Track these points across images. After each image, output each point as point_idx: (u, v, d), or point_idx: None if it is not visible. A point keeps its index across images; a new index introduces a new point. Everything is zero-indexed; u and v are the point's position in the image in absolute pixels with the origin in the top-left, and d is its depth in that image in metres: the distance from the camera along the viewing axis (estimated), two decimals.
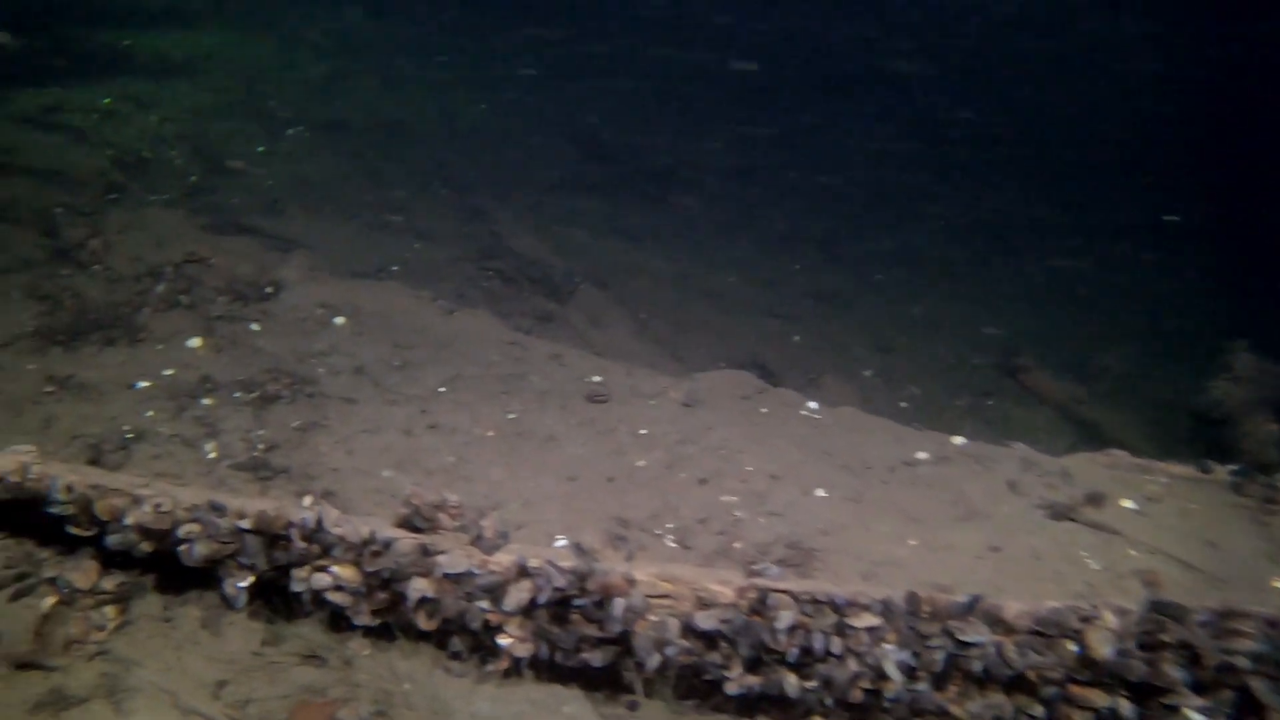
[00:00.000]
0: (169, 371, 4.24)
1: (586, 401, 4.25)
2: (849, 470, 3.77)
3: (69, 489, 2.69)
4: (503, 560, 2.67)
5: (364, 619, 2.84)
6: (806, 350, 6.55)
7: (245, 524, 2.60)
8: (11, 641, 2.97)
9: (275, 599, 3.02)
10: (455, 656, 2.95)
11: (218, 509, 2.64)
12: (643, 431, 4.03)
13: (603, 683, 2.94)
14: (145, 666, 3.03)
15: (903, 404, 6.15)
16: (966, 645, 2.56)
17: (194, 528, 2.61)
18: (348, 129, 8.49)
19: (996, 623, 2.58)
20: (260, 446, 3.69)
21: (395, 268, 5.93)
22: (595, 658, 2.80)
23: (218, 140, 7.52)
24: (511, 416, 4.09)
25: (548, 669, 2.92)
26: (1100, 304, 8.00)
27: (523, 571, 2.63)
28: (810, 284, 7.79)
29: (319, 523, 2.59)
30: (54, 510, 2.72)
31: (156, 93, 8.30)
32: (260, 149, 7.56)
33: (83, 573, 3.07)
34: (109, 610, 3.15)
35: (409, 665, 3.00)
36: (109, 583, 3.11)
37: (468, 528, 2.73)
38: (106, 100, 7.72)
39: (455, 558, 2.60)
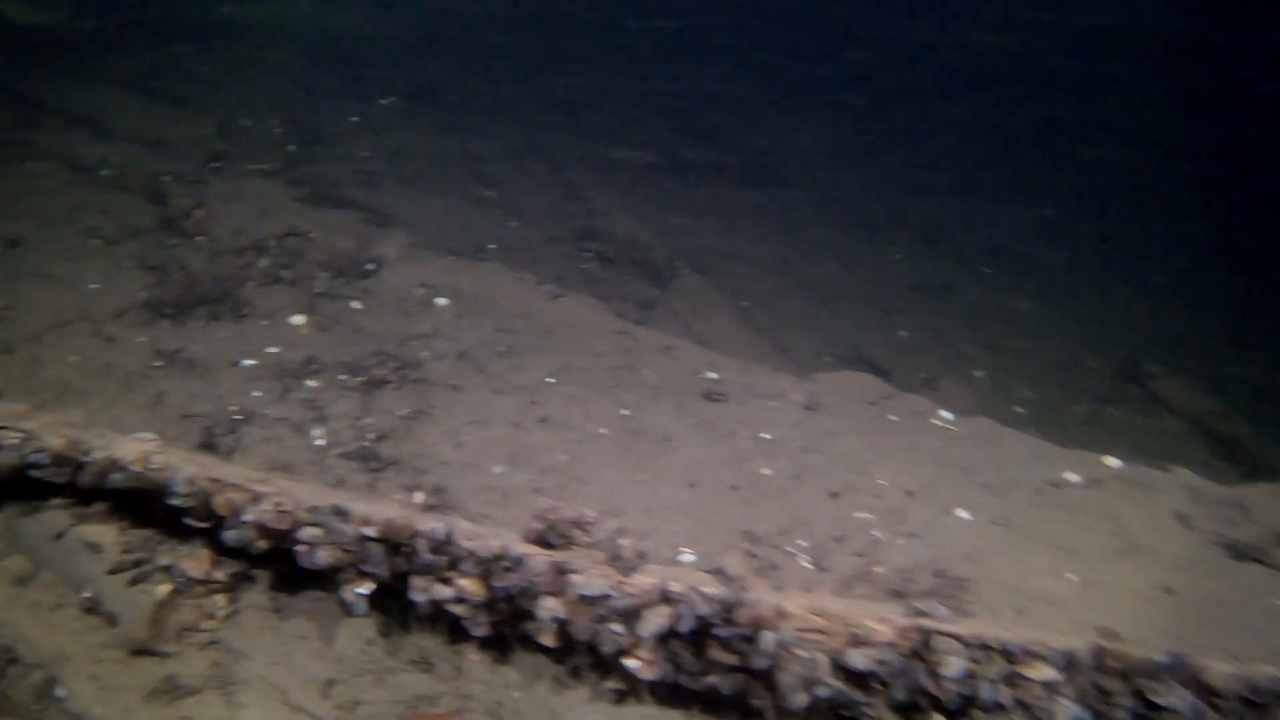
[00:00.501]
0: (273, 349, 4.14)
1: (702, 399, 4.01)
2: (991, 490, 3.47)
3: (190, 481, 2.57)
4: (641, 583, 2.47)
5: (481, 630, 2.68)
6: (913, 346, 6.19)
7: (370, 532, 2.45)
8: (129, 627, 2.90)
9: (389, 601, 2.89)
10: (574, 673, 2.79)
11: (341, 513, 2.49)
12: (764, 436, 3.78)
13: (727, 708, 2.74)
14: (254, 659, 2.93)
15: (1017, 409, 5.77)
16: (1159, 709, 2.28)
17: (317, 532, 2.47)
18: (438, 99, 8.35)
19: (1196, 685, 2.28)
20: (370, 435, 3.55)
21: (492, 246, 5.76)
22: (724, 684, 2.60)
23: (312, 109, 7.44)
24: (624, 413, 3.89)
25: (668, 690, 2.74)
26: (1233, 305, 7.42)
27: (664, 597, 2.42)
28: (912, 274, 7.39)
29: (449, 535, 2.42)
30: (174, 502, 2.61)
31: (251, 60, 8.27)
32: (354, 118, 7.46)
33: (195, 561, 2.98)
34: (220, 599, 3.06)
35: (522, 677, 2.85)
36: (221, 572, 3.02)
37: (603, 545, 2.53)
38: (206, 67, 7.71)
39: (592, 579, 2.41)
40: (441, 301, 4.67)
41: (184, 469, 2.60)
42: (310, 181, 6.08)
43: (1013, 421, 4.91)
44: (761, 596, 2.42)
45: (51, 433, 2.70)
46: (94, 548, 3.01)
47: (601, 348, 4.41)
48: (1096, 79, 11.62)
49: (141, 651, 2.89)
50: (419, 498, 3.22)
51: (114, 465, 2.63)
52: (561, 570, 2.41)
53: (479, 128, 7.85)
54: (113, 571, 2.92)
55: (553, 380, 4.10)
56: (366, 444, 3.50)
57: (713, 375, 4.21)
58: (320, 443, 3.51)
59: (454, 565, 2.45)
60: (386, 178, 6.44)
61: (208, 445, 3.35)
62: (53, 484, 2.80)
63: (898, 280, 7.24)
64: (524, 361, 4.24)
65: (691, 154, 8.34)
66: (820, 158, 8.94)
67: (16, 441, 2.70)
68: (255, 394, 3.80)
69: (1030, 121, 10.75)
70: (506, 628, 2.72)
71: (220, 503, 2.56)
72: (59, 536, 3.02)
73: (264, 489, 2.57)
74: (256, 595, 3.06)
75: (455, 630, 2.81)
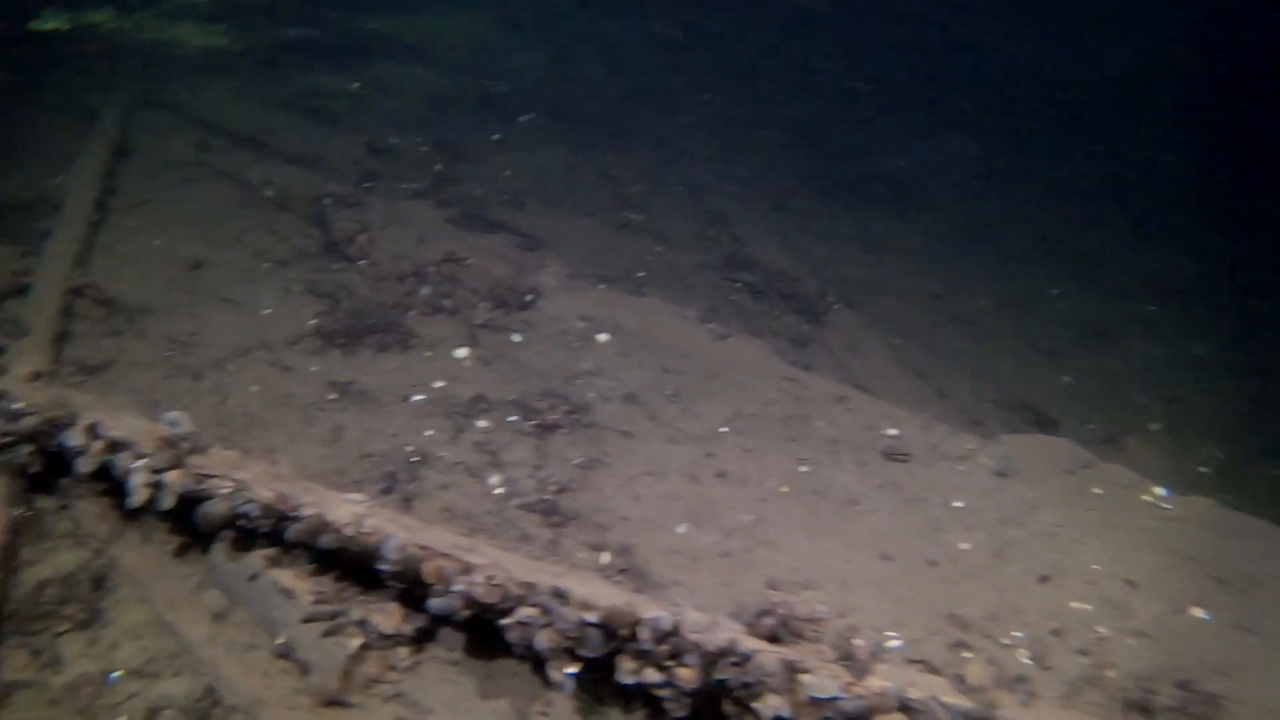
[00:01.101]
0: (440, 384, 4.11)
1: (884, 458, 3.79)
2: (1228, 587, 3.14)
3: (400, 549, 2.51)
4: (874, 686, 2.27)
5: (683, 712, 2.54)
6: (1080, 394, 5.79)
7: (592, 618, 2.33)
8: (321, 678, 2.87)
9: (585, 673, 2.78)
10: None
11: (560, 595, 2.38)
12: (957, 504, 3.53)
13: None
14: (438, 715, 2.87)
15: (1201, 469, 5.33)
16: None
17: (534, 613, 2.36)
18: (575, 117, 8.30)
19: None
20: (550, 487, 3.46)
21: (641, 274, 5.64)
22: None
23: (455, 127, 7.49)
24: (803, 469, 3.70)
25: None
26: None
27: (901, 705, 2.22)
28: (1071, 311, 6.94)
29: (676, 627, 2.28)
30: (383, 568, 2.55)
31: (397, 77, 8.40)
32: (495, 136, 7.47)
33: (387, 616, 2.93)
34: (404, 651, 3.02)
35: None
36: (409, 626, 2.97)
37: (832, 640, 2.35)
38: (355, 85, 7.86)
39: (823, 680, 2.23)
40: (603, 337, 4.57)
41: (395, 535, 2.54)
42: (459, 202, 6.09)
43: (1195, 485, 4.53)
44: (1012, 715, 2.20)
45: (262, 485, 2.68)
46: (287, 593, 3.00)
47: (771, 394, 4.23)
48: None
49: (332, 703, 2.86)
50: (605, 558, 3.11)
51: (325, 526, 2.59)
52: (792, 669, 2.24)
53: (616, 147, 7.77)
54: (306, 620, 2.90)
55: (725, 430, 3.95)
56: (547, 497, 3.41)
57: (892, 431, 3.98)
58: (499, 491, 3.43)
59: (676, 655, 2.30)
60: (531, 198, 6.40)
61: (390, 490, 3.32)
62: (259, 533, 2.79)
63: (1055, 317, 6.82)
64: (693, 407, 4.09)
65: (833, 179, 8.07)
66: (966, 185, 8.54)
67: (229, 491, 2.69)
68: (428, 433, 3.76)
69: (1194, 153, 10.09)
70: (710, 713, 2.57)
71: (430, 570, 2.48)
72: (254, 578, 3.03)
73: (475, 559, 2.48)
74: (442, 649, 3.01)
75: (654, 708, 2.68)
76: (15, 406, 2.91)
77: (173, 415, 2.75)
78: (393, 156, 6.69)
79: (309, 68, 8.02)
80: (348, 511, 2.60)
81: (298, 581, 3.02)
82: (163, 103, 6.65)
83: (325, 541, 2.61)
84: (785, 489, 3.58)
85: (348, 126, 7.02)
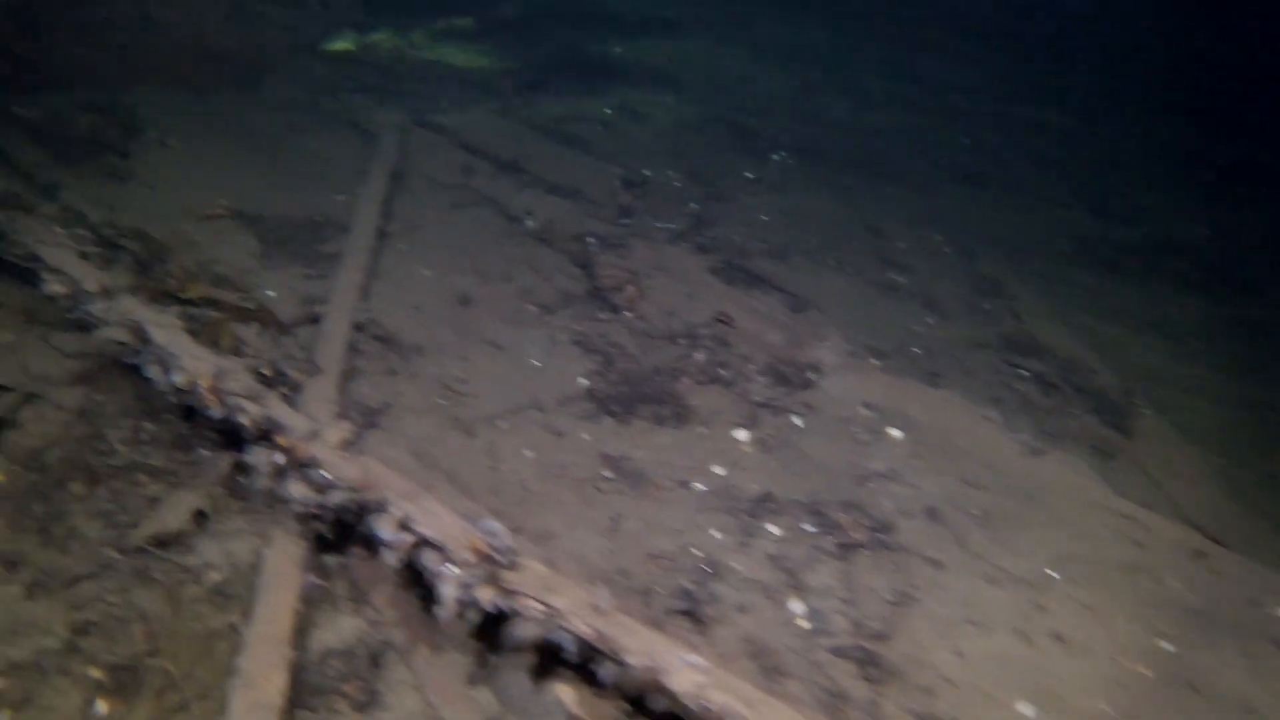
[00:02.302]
0: (720, 471, 3.74)
1: (1277, 648, 3.06)
2: None
3: None
4: None
5: None
6: None
7: None
8: None
9: None
10: None
11: None
12: None
13: None
14: None
15: None
16: None
17: None
18: (827, 157, 7.80)
19: None
20: (864, 629, 3.00)
21: (916, 349, 5.08)
22: None
23: (706, 161, 7.18)
24: (1166, 647, 3.04)
25: None
26: None
27: None
28: None
29: None
30: None
31: (646, 104, 8.21)
32: (748, 174, 7.10)
33: None
34: None
35: None
36: None
37: None
38: (607, 110, 7.72)
39: None
40: (894, 433, 4.06)
41: (740, 712, 2.15)
42: (719, 248, 5.74)
43: None
44: None
45: (579, 618, 2.38)
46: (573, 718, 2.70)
47: (1103, 534, 3.58)
48: None
49: None
50: None
51: (659, 688, 2.25)
52: None
53: (874, 193, 7.21)
54: None
55: (1054, 574, 3.34)
56: (862, 642, 2.94)
57: None
58: (804, 625, 3.00)
59: None
60: (792, 249, 5.96)
61: (689, 613, 2.96)
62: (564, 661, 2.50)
63: None
64: (1008, 537, 3.51)
65: (1114, 245, 7.15)
66: None
67: (540, 616, 2.41)
68: (714, 534, 3.39)
69: None
70: None
71: None
72: (535, 690, 2.75)
73: None
74: None
75: None
76: (326, 477, 2.77)
77: (491, 525, 2.50)
78: (647, 190, 6.44)
79: (562, 91, 7.97)
80: (689, 680, 2.24)
81: (582, 706, 2.72)
82: (430, 123, 6.71)
83: (655, 704, 2.27)
84: (1147, 672, 2.94)
85: (601, 155, 6.85)
